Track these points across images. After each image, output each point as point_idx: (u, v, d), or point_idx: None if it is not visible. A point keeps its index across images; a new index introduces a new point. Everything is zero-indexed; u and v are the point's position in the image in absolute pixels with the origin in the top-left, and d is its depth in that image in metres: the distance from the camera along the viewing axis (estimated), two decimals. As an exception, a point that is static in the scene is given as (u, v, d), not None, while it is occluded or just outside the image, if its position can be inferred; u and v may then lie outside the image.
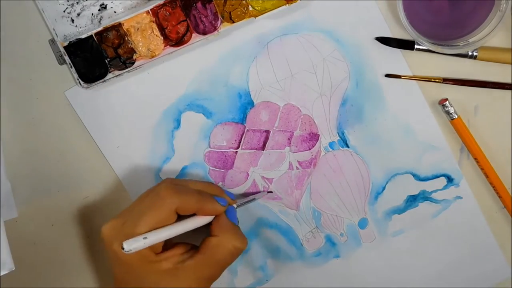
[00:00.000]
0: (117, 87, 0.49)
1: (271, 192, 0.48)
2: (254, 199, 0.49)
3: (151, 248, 0.41)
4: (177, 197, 0.42)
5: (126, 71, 0.48)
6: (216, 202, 0.44)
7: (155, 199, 0.42)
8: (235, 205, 0.46)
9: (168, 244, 0.43)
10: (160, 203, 0.41)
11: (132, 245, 0.38)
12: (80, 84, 0.48)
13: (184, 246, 0.44)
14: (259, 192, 0.50)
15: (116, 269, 0.42)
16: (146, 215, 0.41)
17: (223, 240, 0.43)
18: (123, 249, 0.38)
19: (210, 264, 0.43)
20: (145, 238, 0.39)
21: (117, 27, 0.47)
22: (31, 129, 0.49)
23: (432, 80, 0.50)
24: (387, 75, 0.50)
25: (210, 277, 0.43)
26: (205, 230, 0.44)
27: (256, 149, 0.51)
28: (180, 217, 0.43)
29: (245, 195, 0.51)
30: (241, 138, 0.51)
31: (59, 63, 0.48)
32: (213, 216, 0.44)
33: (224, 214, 0.44)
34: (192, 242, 0.45)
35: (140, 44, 0.48)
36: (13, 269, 0.47)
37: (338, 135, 0.51)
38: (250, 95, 0.50)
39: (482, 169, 0.51)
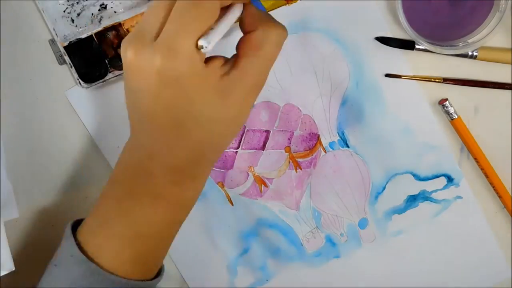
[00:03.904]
0: (117, 87, 0.49)
1: None
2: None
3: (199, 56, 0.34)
4: None
5: (126, 71, 0.48)
6: None
7: None
8: None
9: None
10: None
11: (209, 39, 0.31)
12: (80, 84, 0.48)
13: (220, 57, 0.36)
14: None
15: (151, 99, 0.34)
16: (194, 9, 0.32)
17: (265, 32, 0.35)
18: (200, 48, 0.31)
19: (256, 65, 0.36)
20: (212, 29, 0.32)
21: (117, 27, 0.47)
22: (31, 129, 0.49)
23: (432, 80, 0.50)
24: (387, 75, 0.50)
25: (258, 83, 0.36)
26: None
27: (256, 149, 0.51)
28: None
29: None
30: (241, 138, 0.51)
31: (59, 63, 0.48)
32: (241, 10, 0.36)
33: (252, 4, 0.37)
34: None
35: (140, 44, 0.48)
36: (13, 269, 0.47)
37: (338, 135, 0.51)
38: (250, 95, 0.50)
39: (482, 169, 0.51)
